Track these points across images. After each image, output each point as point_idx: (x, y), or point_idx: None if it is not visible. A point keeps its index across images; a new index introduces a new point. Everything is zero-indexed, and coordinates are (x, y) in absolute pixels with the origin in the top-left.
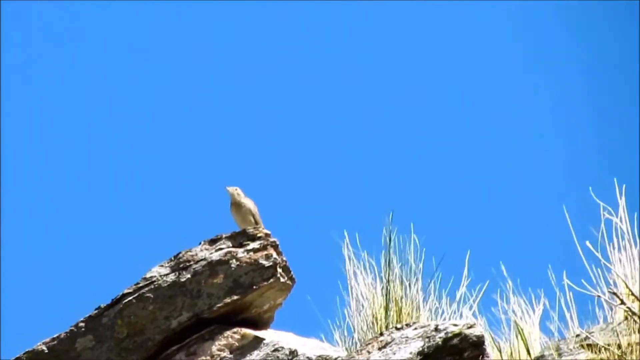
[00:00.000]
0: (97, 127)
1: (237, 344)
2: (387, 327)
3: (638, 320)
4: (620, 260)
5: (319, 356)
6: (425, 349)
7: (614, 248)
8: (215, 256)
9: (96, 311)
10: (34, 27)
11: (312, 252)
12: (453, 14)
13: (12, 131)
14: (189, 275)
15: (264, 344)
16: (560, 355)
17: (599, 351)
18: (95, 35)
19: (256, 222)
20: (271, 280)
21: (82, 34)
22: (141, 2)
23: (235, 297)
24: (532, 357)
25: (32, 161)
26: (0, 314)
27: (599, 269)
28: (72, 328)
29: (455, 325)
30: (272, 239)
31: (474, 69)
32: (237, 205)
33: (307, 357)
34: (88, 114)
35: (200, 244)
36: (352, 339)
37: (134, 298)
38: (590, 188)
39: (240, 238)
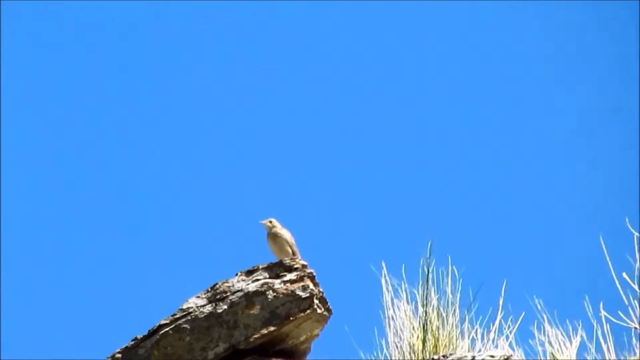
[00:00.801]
0: (144, 158)
1: None
2: (424, 358)
3: None
4: None
5: None
6: None
7: None
8: (252, 287)
9: (133, 342)
10: (34, 27)
11: (350, 283)
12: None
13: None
14: (225, 306)
15: None
16: None
17: None
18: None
19: (293, 253)
20: (308, 311)
21: (83, 34)
22: (142, 2)
23: (271, 328)
24: None
25: (75, 188)
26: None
27: (635, 300)
28: (109, 358)
29: (492, 356)
30: (308, 270)
31: (525, 108)
32: (273, 236)
33: None
34: (133, 145)
35: (237, 275)
36: None
37: (170, 329)
38: (626, 219)
39: (277, 269)
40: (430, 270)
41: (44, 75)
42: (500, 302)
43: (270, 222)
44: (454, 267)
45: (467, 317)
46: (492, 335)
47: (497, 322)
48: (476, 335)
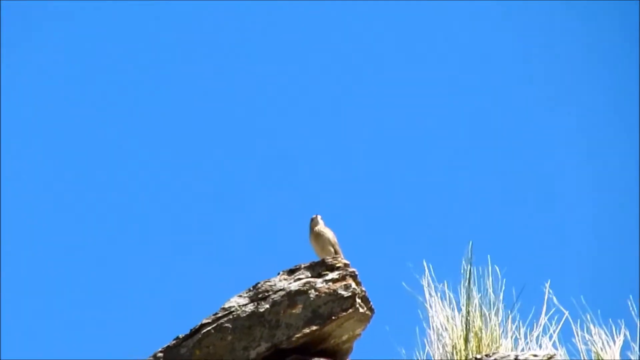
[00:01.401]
0: (183, 154)
1: None
2: (466, 358)
3: None
4: None
5: None
6: None
7: None
8: (294, 286)
9: (174, 341)
10: (34, 27)
11: (391, 283)
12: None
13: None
14: (267, 306)
15: None
16: None
17: None
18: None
19: (335, 252)
20: (350, 310)
21: (83, 34)
22: (142, 2)
23: (314, 328)
24: None
25: (107, 191)
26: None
27: None
28: (151, 358)
29: (535, 355)
30: (351, 269)
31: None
32: (316, 235)
33: None
34: (160, 145)
35: (278, 274)
36: None
37: (212, 328)
38: None
39: (319, 268)
40: (471, 270)
41: (43, 75)
42: (545, 301)
43: (317, 217)
44: (495, 266)
45: (510, 316)
46: (535, 334)
47: (540, 322)
48: (519, 335)
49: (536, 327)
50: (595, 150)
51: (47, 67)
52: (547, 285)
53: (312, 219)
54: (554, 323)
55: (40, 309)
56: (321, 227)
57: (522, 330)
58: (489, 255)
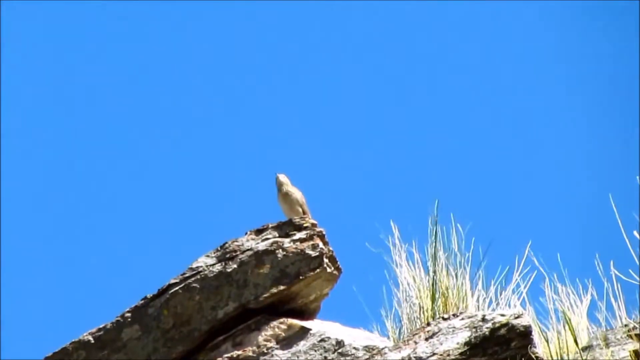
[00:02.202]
0: (147, 114)
1: (283, 334)
2: (434, 317)
3: None
4: None
5: (366, 346)
6: (472, 339)
7: None
8: (262, 246)
9: (142, 301)
10: (34, 27)
11: (358, 243)
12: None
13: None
14: (235, 266)
15: (310, 334)
16: (607, 345)
17: None
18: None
19: (303, 212)
20: (318, 270)
21: (83, 34)
22: (142, 2)
23: (281, 287)
24: (580, 347)
25: (85, 154)
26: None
27: None
28: (119, 318)
29: (502, 315)
30: (318, 229)
31: (523, 59)
32: (284, 195)
33: (354, 347)
34: (134, 104)
35: (246, 234)
36: (399, 329)
37: (180, 288)
38: (638, 177)
39: (286, 228)
40: (437, 229)
41: (43, 75)
42: (516, 261)
43: (284, 177)
44: (459, 225)
45: (477, 276)
46: (502, 293)
47: (511, 282)
48: (486, 294)
49: (504, 287)
50: (562, 97)
51: (46, 66)
52: (527, 246)
53: (277, 178)
54: (521, 282)
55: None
56: (289, 186)
57: (490, 290)
58: (451, 214)
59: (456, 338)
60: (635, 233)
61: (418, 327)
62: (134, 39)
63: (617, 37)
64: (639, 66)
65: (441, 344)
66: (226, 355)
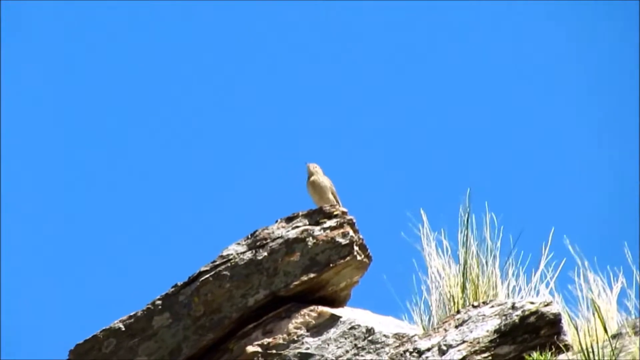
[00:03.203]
0: (181, 104)
1: (313, 322)
2: (464, 305)
3: None
4: None
5: (396, 334)
6: (502, 327)
7: None
8: (292, 234)
9: (173, 289)
10: (35, 27)
11: (389, 231)
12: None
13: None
14: (265, 253)
15: (340, 321)
16: (636, 333)
17: None
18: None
19: (334, 200)
20: (348, 258)
21: (82, 34)
22: (142, 2)
23: (311, 275)
24: (609, 335)
25: (108, 149)
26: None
27: None
28: (149, 306)
29: (532, 303)
30: (348, 217)
31: (555, 54)
32: (314, 183)
33: (384, 335)
34: (160, 98)
35: (276, 222)
36: (429, 317)
37: (210, 276)
38: None
39: (316, 216)
40: (469, 217)
41: (43, 74)
42: (542, 249)
43: (315, 167)
44: (492, 213)
45: (507, 264)
46: (532, 281)
47: (538, 269)
48: (516, 282)
49: (534, 275)
50: (596, 97)
51: (46, 66)
52: (551, 233)
53: (308, 167)
54: (550, 270)
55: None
56: (319, 175)
57: (520, 278)
58: (486, 202)
59: (486, 326)
60: None
61: (448, 314)
62: (146, 37)
63: (617, 37)
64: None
65: (471, 331)
66: (257, 343)
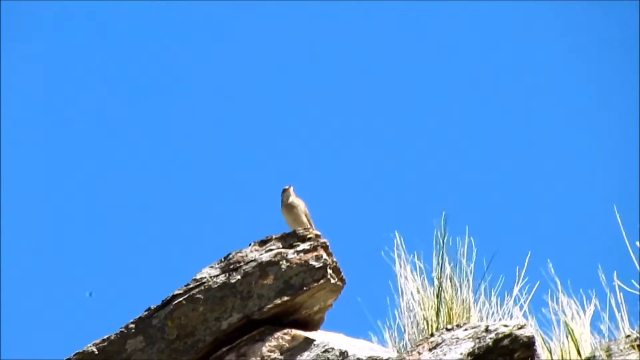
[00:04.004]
0: (155, 126)
1: (287, 345)
2: (437, 328)
3: None
4: None
5: (369, 357)
6: (476, 350)
7: None
8: (266, 257)
9: (146, 312)
10: (35, 27)
11: (363, 254)
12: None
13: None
14: (239, 277)
15: (314, 345)
16: (610, 356)
17: None
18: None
19: (307, 223)
20: (322, 281)
21: (83, 34)
22: (142, 2)
23: (285, 298)
24: (583, 357)
25: (89, 162)
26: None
27: None
28: (123, 329)
29: (505, 326)
30: (322, 240)
31: (527, 76)
32: (288, 206)
33: (358, 358)
34: (140, 114)
35: (250, 245)
36: (403, 340)
37: (184, 299)
38: None
39: (290, 239)
40: (444, 240)
41: (42, 75)
42: (517, 272)
43: (288, 189)
44: (469, 237)
45: (481, 287)
46: (506, 305)
47: (512, 292)
48: (490, 305)
49: (507, 298)
50: (569, 121)
51: (45, 66)
52: (524, 256)
53: (284, 190)
54: (524, 293)
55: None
56: (293, 198)
57: (493, 301)
58: (466, 226)
59: (459, 349)
60: (638, 244)
61: (422, 338)
62: (136, 43)
63: (616, 37)
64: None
65: (445, 354)
66: None
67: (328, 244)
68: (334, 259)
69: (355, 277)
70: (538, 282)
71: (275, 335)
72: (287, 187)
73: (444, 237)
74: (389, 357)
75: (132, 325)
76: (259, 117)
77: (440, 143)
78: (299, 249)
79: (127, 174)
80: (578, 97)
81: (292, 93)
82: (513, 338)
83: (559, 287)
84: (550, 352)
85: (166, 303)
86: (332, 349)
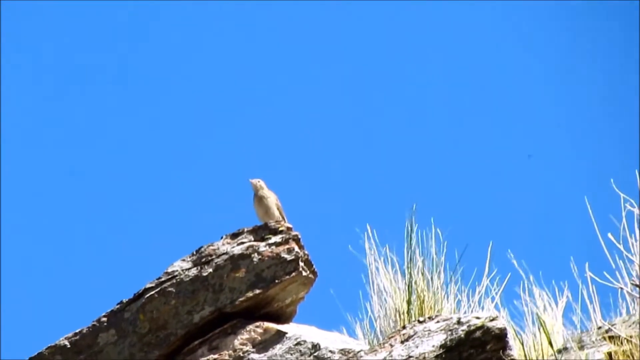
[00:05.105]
0: (123, 121)
1: (259, 338)
2: (409, 321)
3: None
4: None
5: (342, 349)
6: (448, 342)
7: (636, 240)
8: (237, 250)
9: (118, 306)
10: (35, 26)
11: (335, 246)
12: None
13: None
14: (210, 270)
15: (286, 337)
16: (582, 347)
17: (622, 343)
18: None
19: (280, 216)
20: (293, 274)
21: (82, 34)
22: (141, 2)
23: (257, 291)
24: (555, 349)
25: (60, 157)
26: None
27: (621, 261)
28: (95, 323)
29: (477, 318)
30: (294, 233)
31: (499, 66)
32: (259, 199)
33: (330, 351)
34: (112, 109)
35: (221, 238)
36: (375, 333)
37: (156, 292)
38: (611, 180)
39: (262, 232)
40: (414, 233)
41: (42, 74)
42: (486, 264)
43: (259, 182)
44: (437, 229)
45: (452, 279)
46: (477, 296)
47: (483, 284)
48: (462, 297)
49: (478, 290)
50: (540, 111)
51: (45, 66)
52: (489, 247)
53: (253, 183)
54: (496, 285)
55: None
56: (265, 190)
57: (465, 293)
58: (432, 218)
59: (432, 341)
60: (610, 235)
61: (394, 330)
62: (114, 43)
63: (617, 37)
64: (639, 66)
65: (417, 347)
66: (203, 359)
67: (300, 236)
68: (306, 252)
69: (327, 270)
70: (509, 274)
71: (248, 328)
72: (257, 179)
73: (413, 229)
74: (361, 350)
75: (104, 319)
76: (230, 109)
77: (411, 135)
78: (270, 241)
79: (98, 167)
80: (553, 87)
81: (263, 85)
82: (485, 330)
83: (531, 278)
84: (522, 344)
85: (138, 296)
86: (305, 341)
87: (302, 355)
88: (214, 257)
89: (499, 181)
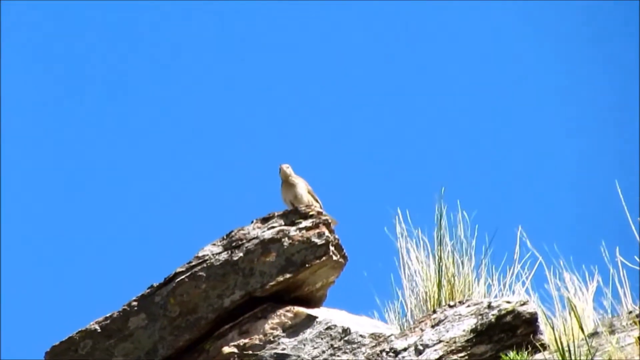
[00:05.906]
0: (155, 105)
1: (289, 322)
2: (440, 305)
3: None
4: None
5: (372, 334)
6: (478, 326)
7: None
8: (268, 234)
9: (149, 290)
10: (35, 26)
11: (365, 230)
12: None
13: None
14: (241, 254)
15: (316, 322)
16: (613, 332)
17: None
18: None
19: (311, 200)
20: (323, 258)
21: (82, 34)
22: (141, 3)
23: (287, 276)
24: (585, 333)
25: (95, 148)
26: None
27: None
28: (125, 307)
29: (508, 302)
30: (324, 217)
31: (528, 52)
32: (288, 184)
33: (360, 335)
34: (143, 96)
35: (252, 222)
36: (405, 317)
37: (186, 277)
38: None
39: (292, 216)
40: (443, 216)
41: (42, 75)
42: (517, 248)
43: (288, 167)
44: (465, 212)
45: (482, 263)
46: (508, 281)
47: (513, 268)
48: (492, 281)
49: (509, 274)
50: (572, 95)
51: (45, 66)
52: (520, 230)
53: (281, 169)
54: (526, 269)
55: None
56: (293, 177)
57: (495, 277)
58: (458, 200)
59: (462, 325)
60: None
61: (424, 314)
62: (136, 35)
63: (617, 37)
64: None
65: (447, 331)
66: (233, 344)
67: (330, 220)
68: (336, 236)
69: (358, 254)
70: (540, 258)
71: (278, 313)
72: (285, 165)
73: (443, 212)
74: (392, 334)
75: (135, 303)
76: (261, 95)
77: (441, 119)
78: (300, 226)
79: (131, 153)
80: (578, 70)
81: (296, 71)
82: (516, 314)
83: (562, 263)
84: (552, 328)
85: (168, 281)
86: (335, 325)
87: (332, 339)
88: (244, 241)
89: (530, 164)
